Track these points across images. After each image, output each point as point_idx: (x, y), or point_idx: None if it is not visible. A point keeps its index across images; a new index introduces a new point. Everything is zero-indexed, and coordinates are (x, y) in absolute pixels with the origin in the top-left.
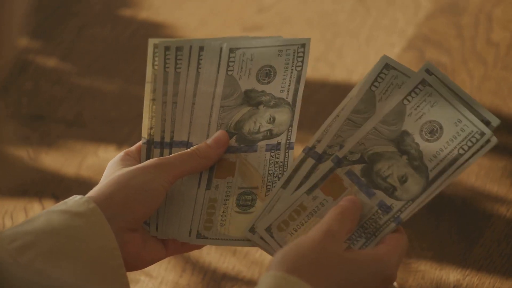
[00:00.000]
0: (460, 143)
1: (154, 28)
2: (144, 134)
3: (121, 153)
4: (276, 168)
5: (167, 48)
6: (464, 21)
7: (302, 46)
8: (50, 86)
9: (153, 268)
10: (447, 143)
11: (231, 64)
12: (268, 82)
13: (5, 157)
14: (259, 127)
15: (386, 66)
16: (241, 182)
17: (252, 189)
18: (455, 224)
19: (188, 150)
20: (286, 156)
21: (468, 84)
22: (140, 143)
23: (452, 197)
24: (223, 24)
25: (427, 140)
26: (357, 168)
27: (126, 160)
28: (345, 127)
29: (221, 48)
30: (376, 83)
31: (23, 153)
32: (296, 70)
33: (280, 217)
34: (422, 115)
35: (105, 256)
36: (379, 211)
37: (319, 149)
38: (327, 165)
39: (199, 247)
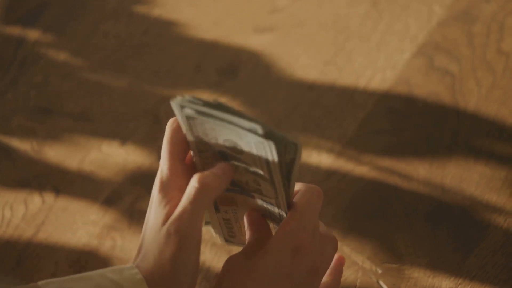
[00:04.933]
0: (257, 151)
1: (167, 26)
2: None
3: (155, 192)
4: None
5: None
6: (476, 29)
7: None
8: (59, 80)
9: None
10: (251, 152)
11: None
12: (238, 154)
13: (10, 149)
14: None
15: (189, 118)
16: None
17: None
18: (452, 233)
19: (194, 189)
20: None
21: (475, 93)
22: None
23: (451, 206)
24: (235, 25)
25: (237, 153)
26: None
27: (167, 201)
28: (204, 161)
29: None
30: (194, 131)
31: (28, 146)
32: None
33: (224, 232)
34: (214, 139)
35: None
36: (269, 207)
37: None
38: None
39: None
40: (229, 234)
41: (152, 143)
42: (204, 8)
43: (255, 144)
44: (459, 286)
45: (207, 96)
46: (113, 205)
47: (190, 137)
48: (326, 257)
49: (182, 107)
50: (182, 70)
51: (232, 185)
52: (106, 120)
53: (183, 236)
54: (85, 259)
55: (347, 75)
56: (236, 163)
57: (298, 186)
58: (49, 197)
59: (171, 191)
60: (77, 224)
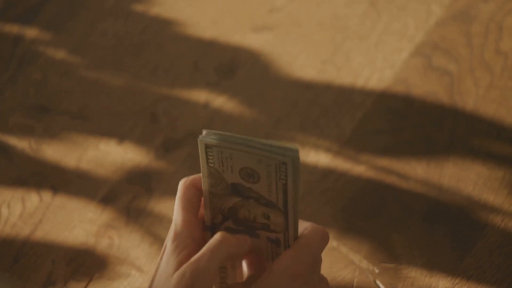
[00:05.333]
0: (276, 175)
1: (165, 25)
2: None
3: (169, 242)
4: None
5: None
6: (474, 29)
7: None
8: (58, 78)
9: (144, 263)
10: (268, 179)
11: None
12: (254, 183)
13: (8, 147)
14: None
15: (208, 147)
16: None
17: None
18: (449, 232)
19: (216, 240)
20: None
21: (473, 93)
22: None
23: (449, 206)
24: (234, 24)
25: (253, 183)
26: (230, 223)
27: (180, 250)
28: (213, 200)
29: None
30: (210, 163)
31: (25, 144)
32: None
33: (216, 281)
34: (231, 168)
35: None
36: (273, 245)
37: (208, 223)
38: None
39: None
40: (221, 286)
41: (149, 141)
42: (203, 6)
43: (276, 167)
44: (456, 286)
45: (205, 95)
46: (110, 204)
47: (204, 172)
48: None
49: (203, 135)
50: (180, 68)
51: (237, 225)
52: (104, 118)
53: (197, 278)
54: (83, 258)
55: (345, 74)
56: (247, 196)
57: (305, 224)
58: (46, 195)
59: (185, 240)
60: (75, 222)
